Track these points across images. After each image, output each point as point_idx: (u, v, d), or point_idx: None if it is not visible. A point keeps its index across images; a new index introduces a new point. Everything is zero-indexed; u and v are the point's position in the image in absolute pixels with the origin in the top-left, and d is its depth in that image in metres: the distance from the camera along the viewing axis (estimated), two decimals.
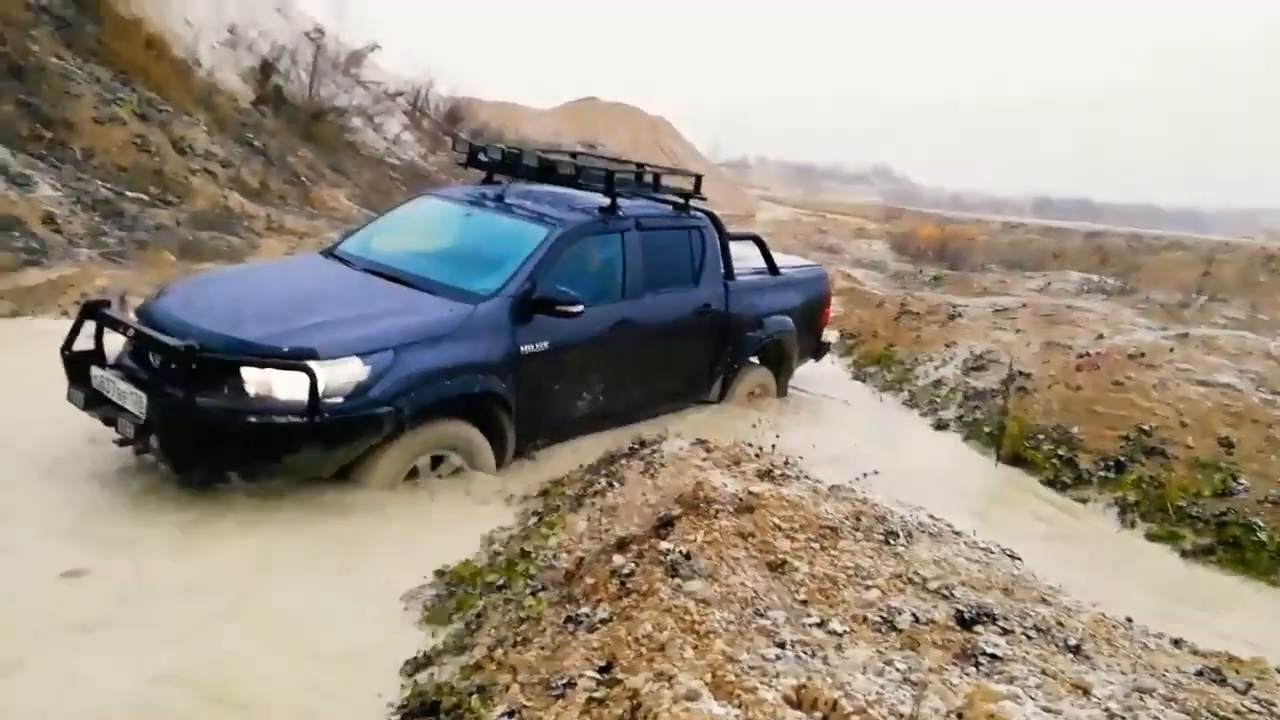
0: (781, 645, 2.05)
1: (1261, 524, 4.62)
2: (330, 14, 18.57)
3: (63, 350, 4.37)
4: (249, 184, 12.40)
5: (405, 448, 4.39)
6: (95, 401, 4.26)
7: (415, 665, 2.93)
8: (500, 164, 5.89)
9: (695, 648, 2.10)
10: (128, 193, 10.08)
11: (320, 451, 4.15)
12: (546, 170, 5.69)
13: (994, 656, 2.00)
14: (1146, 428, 5.54)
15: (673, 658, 2.07)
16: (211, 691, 2.71)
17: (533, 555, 3.48)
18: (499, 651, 2.78)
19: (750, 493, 3.05)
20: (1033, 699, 1.75)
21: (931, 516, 3.13)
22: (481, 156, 5.92)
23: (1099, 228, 31.38)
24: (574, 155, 6.43)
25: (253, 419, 3.98)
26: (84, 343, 4.39)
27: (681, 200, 6.10)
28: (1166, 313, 10.03)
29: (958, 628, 2.14)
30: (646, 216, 5.80)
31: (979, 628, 2.14)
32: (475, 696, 2.48)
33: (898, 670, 1.91)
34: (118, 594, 3.24)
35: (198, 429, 3.95)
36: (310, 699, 2.73)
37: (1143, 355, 6.22)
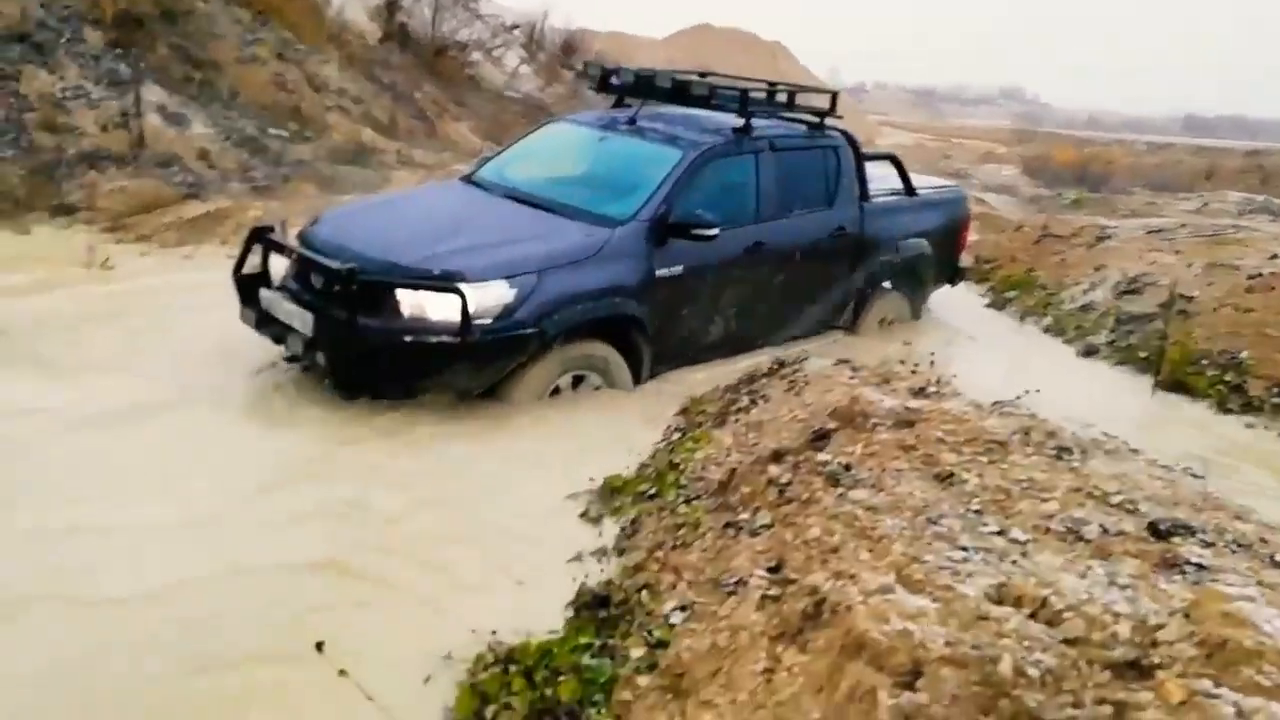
0: (964, 549, 2.04)
1: None
2: None
3: (234, 273, 4.67)
4: (379, 119, 12.77)
5: (549, 366, 4.54)
6: (265, 321, 4.56)
7: (578, 560, 3.06)
8: (633, 87, 5.85)
9: (871, 550, 2.12)
10: (270, 129, 10.55)
11: (470, 369, 4.34)
12: (679, 92, 5.61)
13: (1200, 566, 1.93)
14: None
15: (848, 559, 2.10)
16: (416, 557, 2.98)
17: (681, 466, 3.56)
18: (659, 553, 2.88)
19: (908, 407, 3.01)
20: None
21: (1105, 433, 3.02)
22: (613, 80, 5.89)
23: (1258, 145, 28.73)
24: (703, 76, 6.31)
25: (409, 338, 4.18)
26: (251, 266, 4.69)
27: (816, 119, 5.93)
28: None
29: (1152, 539, 2.08)
30: (780, 137, 5.67)
31: (1175, 539, 2.07)
32: (643, 592, 2.58)
33: (1100, 575, 1.87)
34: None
35: (360, 347, 4.19)
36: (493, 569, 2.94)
37: None
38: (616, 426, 4.38)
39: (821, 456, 2.83)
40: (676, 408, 4.55)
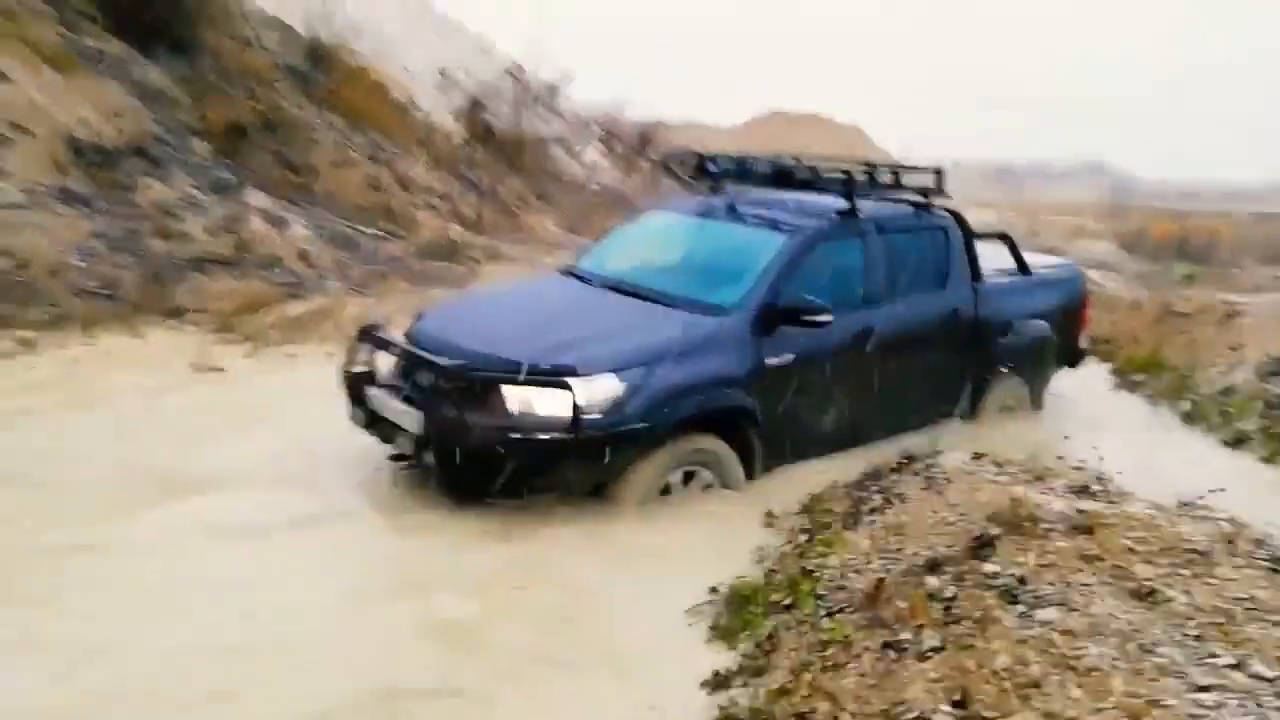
0: (1204, 690, 1.72)
1: None
2: (527, 51, 19.49)
3: (344, 371, 4.65)
4: (466, 215, 13.12)
5: (659, 462, 4.33)
6: (374, 420, 4.49)
7: (714, 684, 2.79)
8: (731, 172, 5.77)
9: (1081, 686, 1.81)
10: (364, 228, 10.90)
11: (580, 467, 4.16)
12: (779, 176, 5.50)
13: None
14: None
15: (1057, 697, 1.79)
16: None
17: (816, 574, 3.27)
18: (806, 676, 2.59)
19: (1080, 510, 2.69)
20: None
21: None
22: (710, 166, 5.83)
23: None
24: (796, 160, 6.20)
25: (517, 435, 4.04)
26: (359, 364, 4.66)
27: (923, 199, 5.73)
28: None
29: None
30: (887, 218, 5.49)
31: None
32: None
33: None
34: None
35: (468, 445, 4.06)
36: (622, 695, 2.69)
37: None
38: (733, 528, 4.13)
39: (989, 567, 2.53)
40: (797, 507, 4.26)
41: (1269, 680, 1.77)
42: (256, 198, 9.69)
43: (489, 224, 13.59)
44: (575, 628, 3.25)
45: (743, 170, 5.71)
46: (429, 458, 4.15)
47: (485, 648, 3.06)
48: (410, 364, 4.47)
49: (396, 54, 16.02)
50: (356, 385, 4.58)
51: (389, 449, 4.54)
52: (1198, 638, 1.98)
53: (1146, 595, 2.20)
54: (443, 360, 4.12)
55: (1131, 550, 2.43)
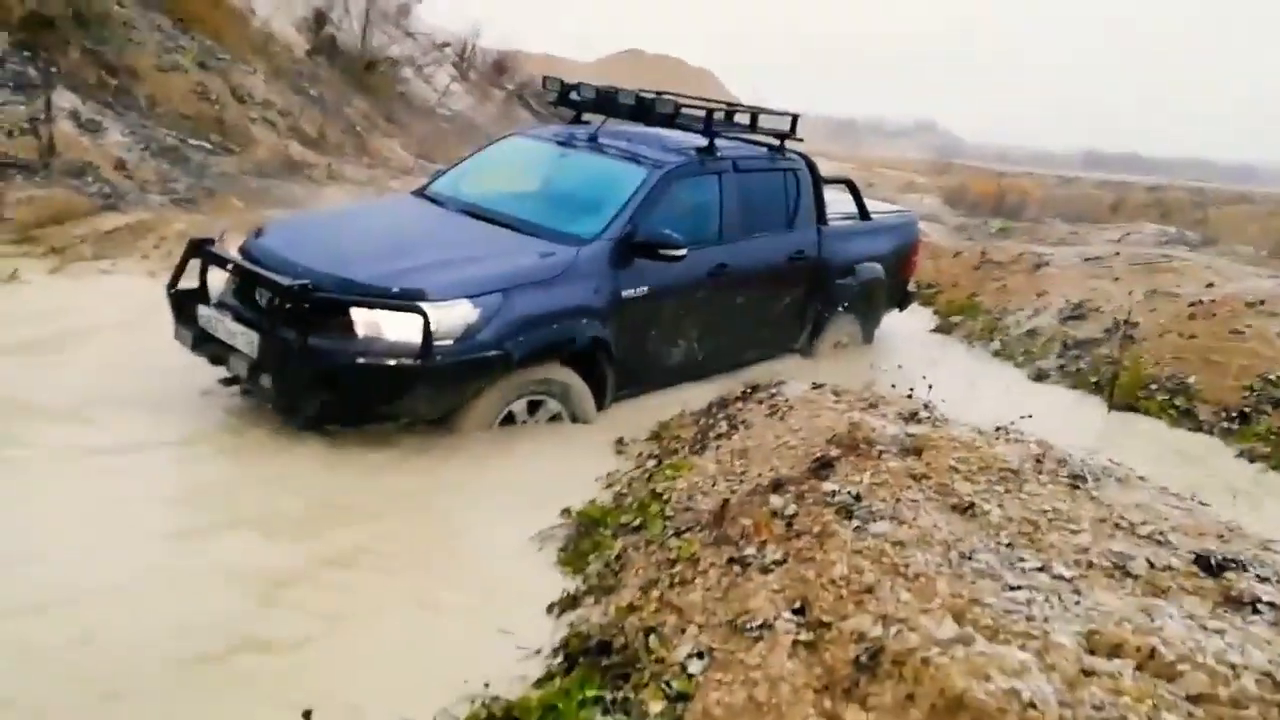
0: (1015, 589, 1.91)
1: None
2: None
3: (169, 288, 4.31)
4: (307, 133, 12.31)
5: (504, 391, 4.27)
6: (203, 340, 4.20)
7: (564, 604, 2.84)
8: (593, 102, 5.68)
9: (911, 590, 1.97)
10: (192, 140, 10.04)
11: (429, 395, 4.05)
12: (640, 110, 5.47)
13: (1273, 605, 1.84)
14: (1273, 377, 5.28)
15: (888, 600, 1.94)
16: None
17: (665, 497, 3.37)
18: (655, 592, 2.68)
19: (910, 434, 2.89)
20: None
21: (1113, 460, 2.97)
22: (574, 95, 5.71)
23: (1160, 181, 30.41)
24: (660, 94, 6.18)
25: (365, 360, 3.89)
26: (187, 280, 4.34)
27: (777, 141, 5.87)
28: (1264, 265, 9.62)
29: (1203, 574, 1.99)
30: (743, 158, 5.58)
31: (1229, 574, 1.98)
32: (649, 637, 2.38)
33: (1178, 617, 1.76)
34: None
35: (311, 370, 3.87)
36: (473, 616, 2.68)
37: (1262, 303, 5.92)
38: (584, 456, 4.17)
39: (828, 486, 2.68)
40: (646, 434, 4.36)
41: (1068, 580, 1.99)
42: (65, 98, 8.70)
43: (333, 144, 12.81)
44: (422, 557, 3.21)
45: (606, 101, 5.63)
46: (266, 382, 3.94)
47: (325, 583, 2.97)
48: (247, 282, 4.19)
49: None
50: (185, 303, 4.27)
51: (220, 372, 4.27)
52: (1009, 545, 2.19)
53: (967, 509, 2.41)
54: (284, 279, 3.88)
55: (954, 469, 2.64)
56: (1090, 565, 2.05)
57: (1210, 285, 6.59)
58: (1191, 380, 5.58)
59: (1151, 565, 2.04)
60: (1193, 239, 13.03)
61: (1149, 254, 8.06)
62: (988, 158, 51.73)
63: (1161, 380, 5.68)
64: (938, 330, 7.93)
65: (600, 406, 4.74)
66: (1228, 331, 5.76)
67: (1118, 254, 7.99)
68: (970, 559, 2.08)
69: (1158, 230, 13.46)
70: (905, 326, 7.42)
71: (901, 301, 7.14)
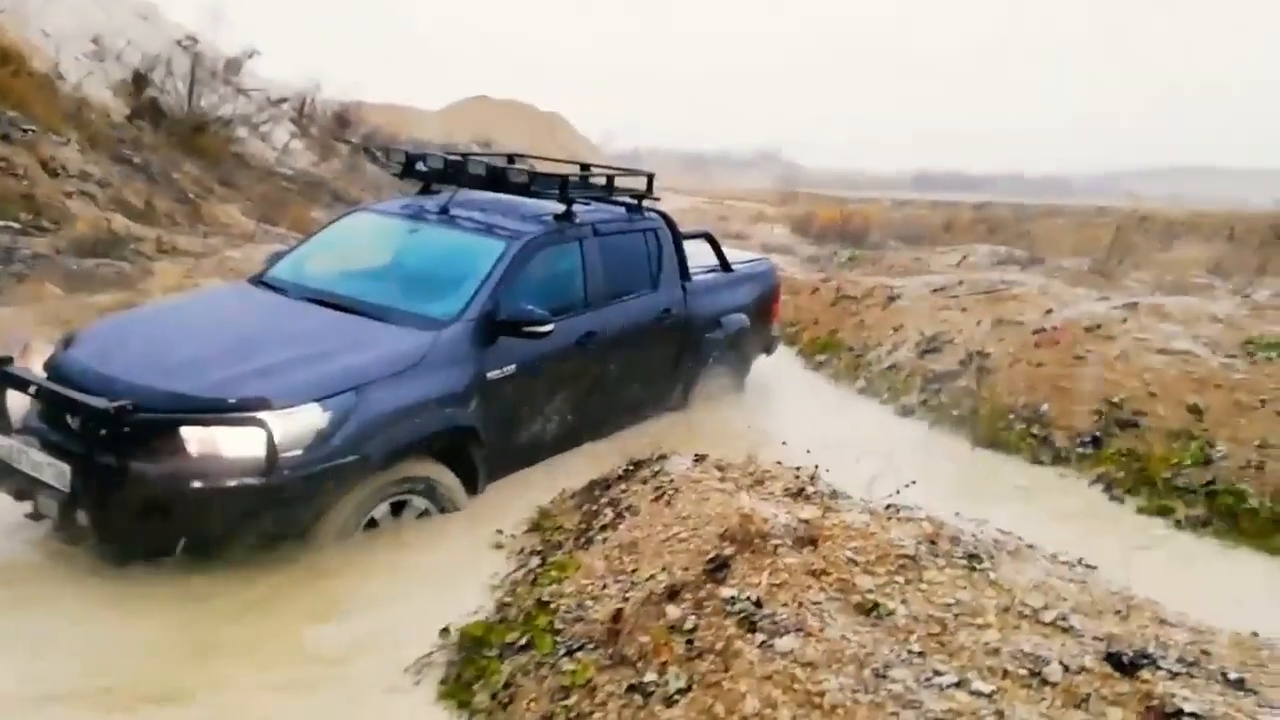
0: (936, 717, 1.80)
1: (1250, 490, 4.68)
2: (204, 21, 17.41)
3: None
4: (132, 204, 11.40)
5: (364, 498, 3.90)
6: (3, 474, 3.66)
7: None
8: (442, 173, 5.42)
9: None
10: None
11: (279, 514, 3.63)
12: (493, 178, 5.26)
13: (1195, 715, 1.79)
14: (1116, 400, 5.56)
15: None
16: None
17: (552, 605, 3.13)
18: None
19: (803, 521, 2.79)
20: None
21: (1000, 530, 2.95)
22: (420, 166, 5.45)
23: (984, 199, 32.70)
24: (511, 159, 6.02)
25: (199, 484, 3.47)
26: None
27: (635, 201, 5.80)
28: (1089, 280, 10.36)
29: (1117, 675, 1.94)
30: (603, 221, 5.48)
31: (1142, 674, 1.94)
32: None
33: None
34: None
35: (135, 501, 3.42)
36: None
37: (1098, 327, 6.28)
38: (461, 558, 3.88)
39: (725, 591, 2.53)
40: (526, 525, 4.11)
41: (987, 696, 1.91)
42: None
43: (162, 214, 11.90)
44: (275, 706, 2.84)
45: (455, 171, 5.38)
46: (82, 519, 3.44)
47: None
48: (55, 405, 3.68)
49: (33, 17, 13.52)
50: None
51: (23, 508, 3.71)
52: (920, 654, 2.10)
53: (871, 610, 2.31)
54: (100, 402, 3.42)
55: (852, 560, 2.55)
56: (1005, 674, 1.98)
57: (1049, 311, 6.96)
58: (1045, 408, 5.82)
59: (1066, 668, 1.99)
60: (1021, 256, 13.95)
61: (990, 279, 8.47)
62: (828, 184, 54.43)
63: (1018, 410, 5.91)
64: (805, 369, 8.06)
65: (473, 492, 4.46)
66: (1071, 357, 6.07)
67: (961, 282, 8.37)
68: (885, 678, 1.97)
69: (990, 251, 14.35)
70: (774, 366, 7.49)
71: (768, 347, 7.21)
